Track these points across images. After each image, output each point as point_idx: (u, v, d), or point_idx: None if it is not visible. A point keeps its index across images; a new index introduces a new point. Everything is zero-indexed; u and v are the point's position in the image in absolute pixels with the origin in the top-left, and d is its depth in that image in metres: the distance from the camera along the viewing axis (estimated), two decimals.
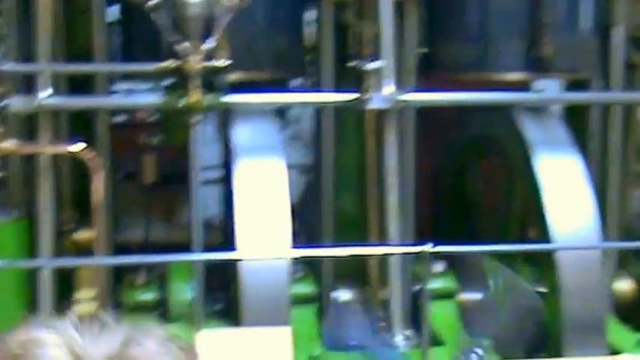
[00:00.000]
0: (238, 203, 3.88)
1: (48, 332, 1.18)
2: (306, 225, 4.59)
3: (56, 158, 4.06)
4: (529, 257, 4.38)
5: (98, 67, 4.21)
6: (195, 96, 3.85)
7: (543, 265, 4.22)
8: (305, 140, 5.28)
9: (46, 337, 1.17)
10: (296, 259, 3.99)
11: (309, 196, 4.83)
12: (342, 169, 4.36)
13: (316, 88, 4.31)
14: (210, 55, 3.85)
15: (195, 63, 3.80)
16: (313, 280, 4.31)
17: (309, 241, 4.36)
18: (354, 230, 4.31)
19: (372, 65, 3.87)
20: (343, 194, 4.39)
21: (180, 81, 3.89)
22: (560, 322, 4.08)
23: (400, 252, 4.00)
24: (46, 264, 3.88)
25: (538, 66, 4.35)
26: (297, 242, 3.93)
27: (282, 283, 3.77)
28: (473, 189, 5.01)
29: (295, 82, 4.72)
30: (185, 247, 4.00)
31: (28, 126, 4.06)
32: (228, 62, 3.90)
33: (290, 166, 4.19)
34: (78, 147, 3.93)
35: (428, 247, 3.68)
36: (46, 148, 3.95)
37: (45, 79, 3.88)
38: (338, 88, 4.16)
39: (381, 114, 4.01)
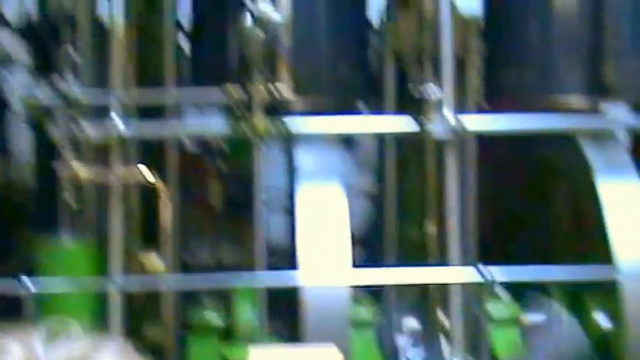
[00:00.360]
0: (300, 227, 3.96)
1: (7, 341, 1.25)
2: (372, 250, 4.64)
3: (126, 184, 4.18)
4: (593, 286, 4.35)
5: (168, 96, 4.33)
6: (260, 123, 3.95)
7: (607, 293, 4.19)
8: (371, 166, 5.34)
9: (5, 345, 1.24)
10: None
11: (374, 221, 4.87)
12: (407, 195, 4.40)
13: (379, 114, 4.37)
14: (275, 83, 3.95)
15: (260, 91, 3.90)
16: (375, 304, 4.35)
17: (374, 266, 4.40)
18: (418, 256, 4.34)
19: (432, 92, 3.92)
20: (407, 220, 4.42)
21: (246, 108, 3.99)
22: (625, 351, 4.06)
23: (462, 277, 4.03)
24: (117, 285, 4.00)
25: (602, 91, 4.34)
26: (360, 267, 3.98)
27: (342, 307, 3.82)
28: (533, 214, 5.00)
29: (360, 108, 4.78)
30: (254, 271, 4.09)
31: (99, 152, 4.20)
32: (292, 90, 3.99)
33: (355, 192, 4.25)
34: (149, 173, 4.06)
35: (489, 273, 3.70)
36: (118, 175, 4.09)
37: (119, 107, 4.02)
38: (401, 114, 4.21)
39: (442, 140, 4.05)
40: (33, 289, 3.91)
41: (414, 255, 4.38)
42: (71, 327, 1.30)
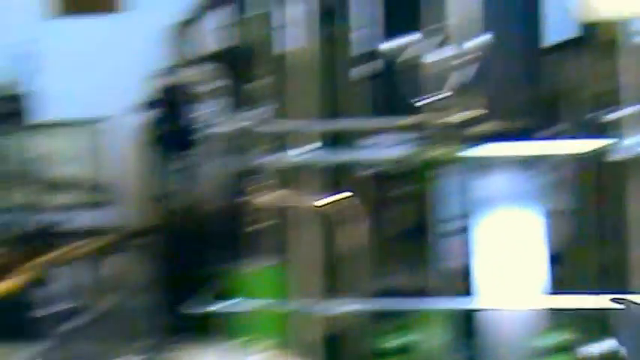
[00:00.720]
0: (486, 251, 3.94)
1: (180, 356, 1.32)
2: (568, 273, 4.55)
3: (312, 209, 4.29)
4: None
5: (351, 123, 4.42)
6: (442, 148, 3.96)
7: None
8: (563, 187, 5.24)
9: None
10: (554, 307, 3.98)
11: (570, 243, 4.78)
12: (601, 216, 4.30)
13: (566, 136, 4.31)
14: (456, 108, 3.96)
15: (441, 117, 3.92)
16: (568, 328, 4.26)
17: (572, 289, 4.32)
18: (615, 279, 4.23)
19: (617, 114, 3.84)
20: (603, 242, 4.32)
21: (428, 134, 4.02)
22: None
23: None
24: (309, 308, 4.11)
25: None
26: (558, 290, 3.92)
27: (528, 332, 3.78)
28: None
29: (540, 133, 4.72)
30: (434, 295, 4.11)
31: (287, 179, 4.33)
32: (472, 114, 3.99)
33: (550, 213, 4.19)
34: (341, 198, 4.16)
35: None
36: (305, 200, 4.21)
37: (305, 135, 4.15)
38: (583, 138, 4.14)
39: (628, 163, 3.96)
40: (226, 310, 4.08)
41: (606, 279, 4.27)
42: (251, 345, 1.38)
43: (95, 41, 8.07)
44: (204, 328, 4.45)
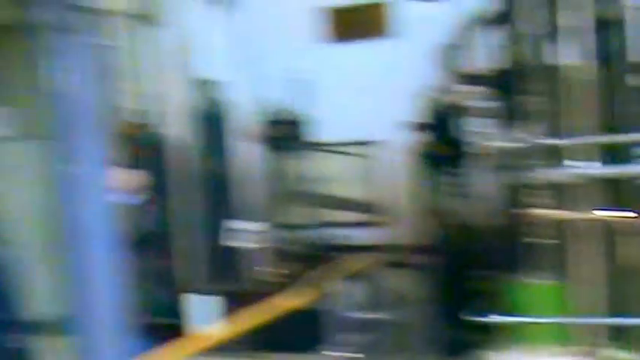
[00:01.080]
0: None
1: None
2: None
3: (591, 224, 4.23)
4: None
5: (632, 137, 4.33)
6: None
7: None
8: None
9: None
10: None
11: None
12: None
13: None
14: None
15: None
16: None
17: None
18: None
19: None
20: None
21: None
22: None
23: None
24: (588, 323, 4.07)
25: None
26: None
27: None
28: None
29: None
30: None
31: (562, 194, 4.30)
32: None
33: None
34: (623, 212, 4.09)
35: None
36: (587, 215, 4.16)
37: (584, 150, 4.11)
38: None
39: None
40: (504, 324, 4.12)
41: None
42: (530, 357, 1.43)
43: (366, 65, 8.35)
44: (483, 342, 4.51)
